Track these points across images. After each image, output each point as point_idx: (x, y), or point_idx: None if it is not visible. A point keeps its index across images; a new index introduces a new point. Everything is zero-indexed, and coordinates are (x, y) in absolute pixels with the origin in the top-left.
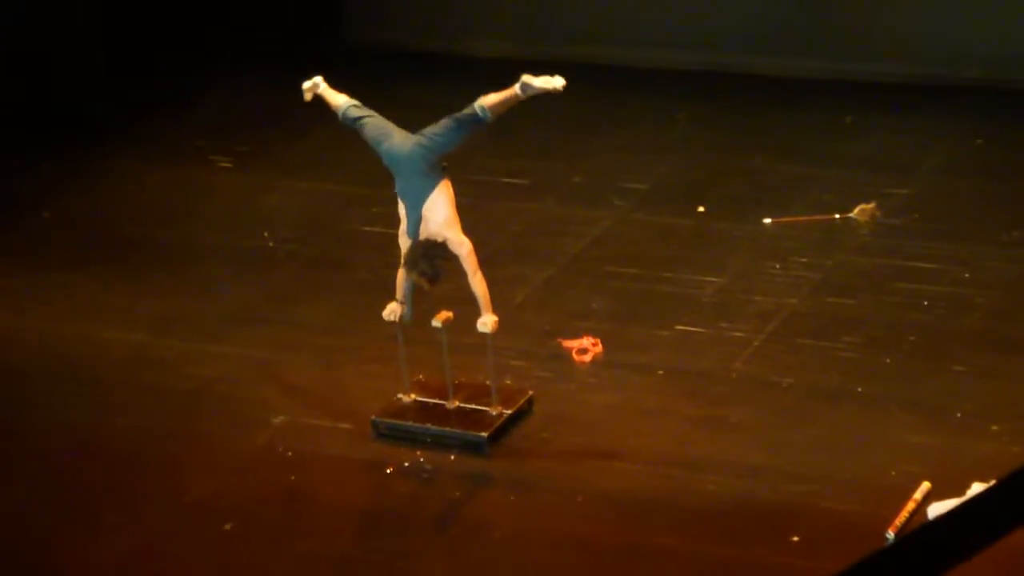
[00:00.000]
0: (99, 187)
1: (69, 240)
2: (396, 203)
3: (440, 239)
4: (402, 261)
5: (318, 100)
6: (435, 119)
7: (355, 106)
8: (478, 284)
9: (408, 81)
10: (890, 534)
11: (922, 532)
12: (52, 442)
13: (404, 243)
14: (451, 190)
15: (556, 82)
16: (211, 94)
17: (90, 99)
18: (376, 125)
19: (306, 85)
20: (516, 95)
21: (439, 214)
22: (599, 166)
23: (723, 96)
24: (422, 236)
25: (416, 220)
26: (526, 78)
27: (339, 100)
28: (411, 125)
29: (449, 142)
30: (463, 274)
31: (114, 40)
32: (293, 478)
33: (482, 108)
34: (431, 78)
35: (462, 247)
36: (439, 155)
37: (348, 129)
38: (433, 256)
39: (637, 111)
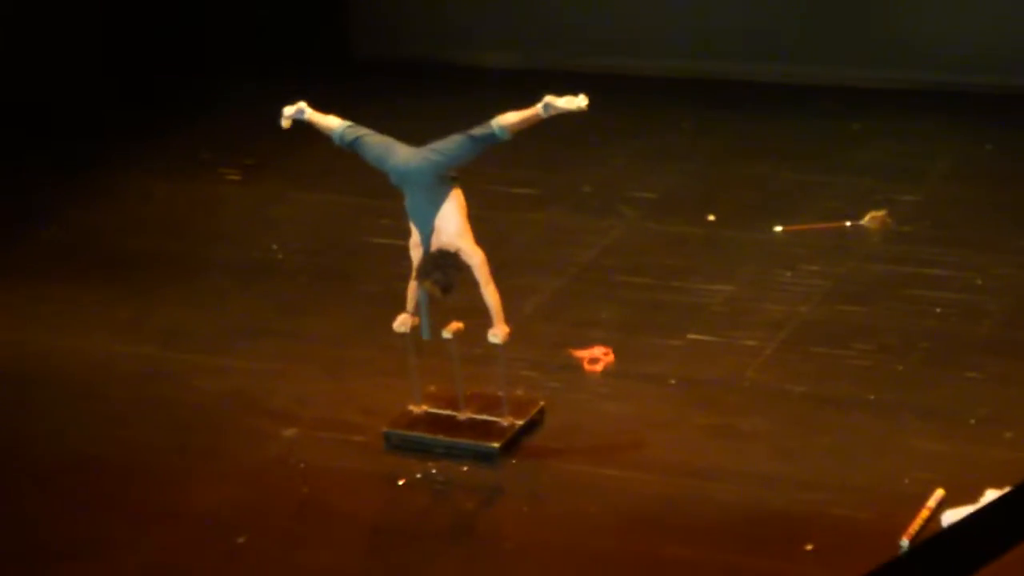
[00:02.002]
0: (105, 201)
1: (75, 254)
2: (403, 214)
3: (453, 249)
4: (413, 273)
5: (301, 126)
6: (444, 130)
7: (351, 127)
8: (491, 295)
9: (416, 93)
10: (904, 542)
11: (937, 540)
12: (61, 457)
13: (415, 255)
14: (463, 200)
15: (580, 101)
16: (217, 107)
17: (95, 112)
18: (377, 143)
19: (288, 111)
20: (538, 114)
21: (451, 224)
22: (608, 176)
23: (731, 104)
24: (434, 247)
25: (428, 233)
26: (549, 99)
27: (332, 123)
28: (420, 137)
29: (461, 157)
30: (473, 285)
31: (120, 53)
32: (305, 490)
33: (500, 128)
34: (439, 90)
35: (474, 257)
36: (449, 169)
37: (347, 152)
38: (446, 266)
39: (645, 120)
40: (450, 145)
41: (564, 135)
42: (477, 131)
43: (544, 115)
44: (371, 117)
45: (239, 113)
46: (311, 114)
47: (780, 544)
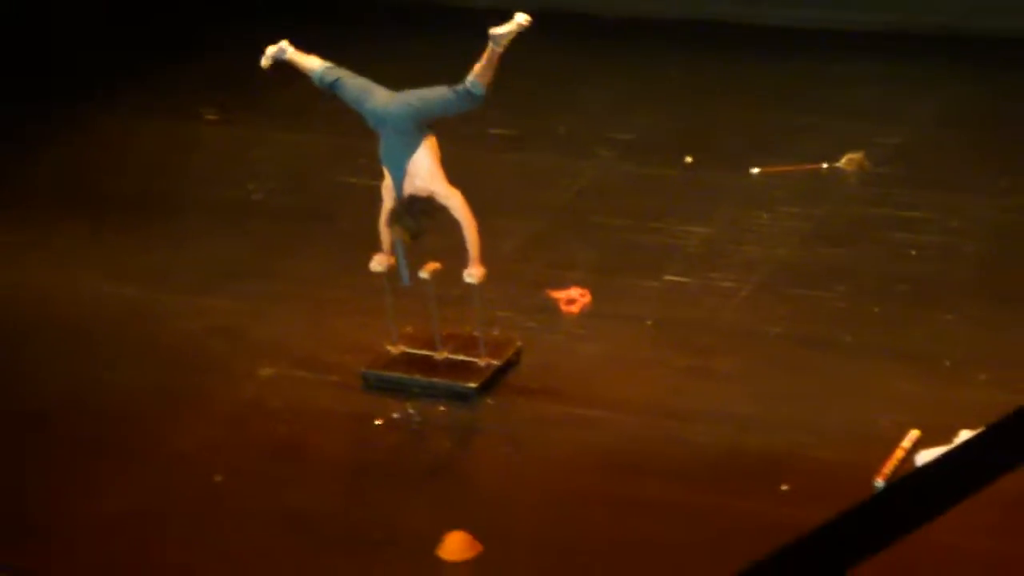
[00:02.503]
0: (83, 141)
1: (56, 194)
2: (378, 158)
3: (426, 194)
4: (384, 216)
5: (282, 66)
6: (432, 72)
7: (330, 68)
8: (471, 234)
9: (400, 34)
10: (879, 482)
11: (910, 479)
12: (42, 397)
13: (388, 197)
14: (436, 145)
15: (519, 19)
16: (197, 48)
17: (75, 50)
18: (356, 85)
19: (269, 51)
20: (493, 50)
21: (424, 168)
22: (585, 117)
23: (710, 46)
24: (407, 191)
25: (400, 177)
26: (491, 30)
27: (312, 63)
28: (408, 79)
29: (441, 110)
30: (450, 226)
31: None
32: (282, 430)
33: (473, 83)
34: (423, 30)
35: (452, 198)
36: (428, 119)
37: (327, 93)
38: (416, 212)
39: (623, 62)
40: (432, 95)
41: (542, 76)
42: (457, 86)
43: (498, 48)
44: (357, 59)
45: (218, 54)
46: (292, 54)
47: (756, 484)
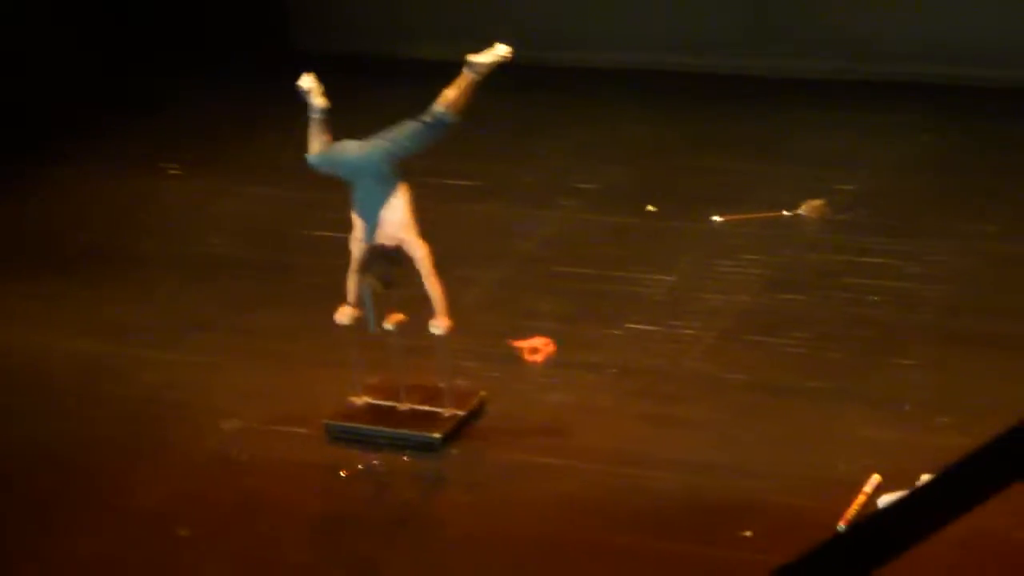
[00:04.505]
0: (46, 196)
1: (16, 249)
2: (347, 207)
3: (395, 243)
4: (354, 266)
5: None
6: (387, 124)
7: (314, 155)
8: (433, 287)
9: (359, 86)
10: (842, 527)
11: (870, 521)
12: (5, 452)
13: (356, 249)
14: (408, 195)
15: (500, 50)
16: (157, 102)
17: (36, 106)
18: (332, 149)
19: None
20: (470, 78)
21: (396, 216)
22: (548, 167)
23: (669, 95)
24: (378, 240)
25: (373, 226)
26: (471, 57)
27: (312, 145)
28: (362, 131)
29: (414, 146)
30: (415, 277)
31: (62, 50)
32: (247, 483)
33: (442, 111)
34: (381, 82)
35: (418, 250)
36: (401, 158)
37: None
38: (387, 261)
39: (586, 112)
40: (402, 131)
41: (504, 127)
42: (425, 117)
43: (474, 75)
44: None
45: (179, 108)
46: (314, 121)
47: (719, 531)
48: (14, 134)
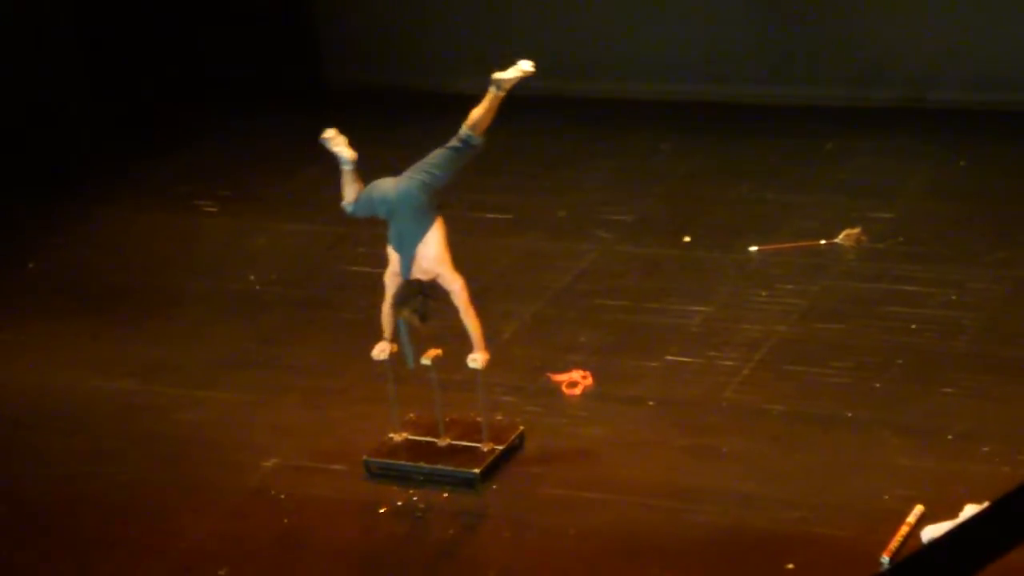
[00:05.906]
0: (83, 235)
1: (55, 289)
2: (383, 242)
3: (431, 276)
4: (390, 301)
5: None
6: (419, 157)
7: (349, 203)
8: (471, 320)
9: (390, 121)
10: (885, 558)
11: (917, 557)
12: (43, 492)
13: (391, 283)
14: (444, 229)
15: (523, 65)
16: (191, 139)
17: (70, 145)
18: (365, 192)
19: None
20: (494, 95)
21: (432, 250)
22: (583, 199)
23: (705, 126)
24: (414, 274)
25: (409, 260)
26: (495, 75)
27: (347, 194)
28: (396, 166)
29: (447, 173)
30: (452, 311)
31: (95, 88)
32: (286, 521)
33: (469, 133)
34: (414, 118)
35: (454, 283)
36: (437, 188)
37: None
38: (423, 295)
39: (620, 143)
40: (434, 162)
41: (539, 159)
42: (453, 142)
43: (499, 92)
44: (352, 145)
45: (214, 145)
46: (345, 172)
47: (761, 564)
48: (52, 179)
